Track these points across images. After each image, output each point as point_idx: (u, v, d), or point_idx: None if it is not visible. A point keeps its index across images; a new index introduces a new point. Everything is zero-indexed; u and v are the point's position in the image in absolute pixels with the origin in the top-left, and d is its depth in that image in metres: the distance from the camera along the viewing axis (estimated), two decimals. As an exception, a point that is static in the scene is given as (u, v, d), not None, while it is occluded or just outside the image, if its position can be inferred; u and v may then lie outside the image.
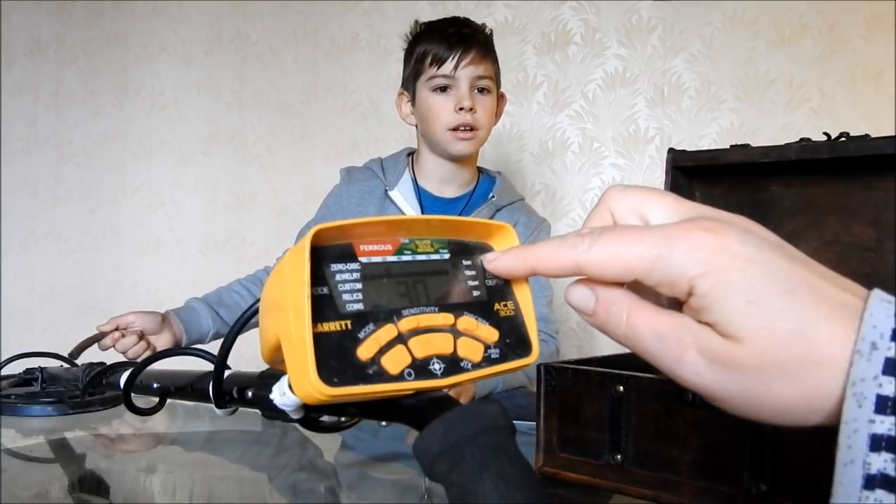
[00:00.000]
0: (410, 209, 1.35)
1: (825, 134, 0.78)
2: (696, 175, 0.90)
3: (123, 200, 2.19)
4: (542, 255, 0.35)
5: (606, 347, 1.82)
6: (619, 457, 0.65)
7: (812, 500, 0.55)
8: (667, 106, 1.83)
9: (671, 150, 0.90)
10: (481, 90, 1.32)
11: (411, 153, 1.43)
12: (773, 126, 1.76)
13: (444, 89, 1.31)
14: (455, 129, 1.30)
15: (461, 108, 1.29)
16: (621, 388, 0.65)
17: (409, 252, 0.39)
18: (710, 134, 1.80)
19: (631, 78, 1.86)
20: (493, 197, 1.38)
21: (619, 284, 0.33)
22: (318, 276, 0.36)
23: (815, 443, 0.55)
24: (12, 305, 2.22)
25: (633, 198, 0.34)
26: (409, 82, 1.36)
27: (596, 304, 0.33)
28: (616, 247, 0.31)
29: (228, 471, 0.79)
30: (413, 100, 1.36)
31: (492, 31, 1.39)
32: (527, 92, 1.92)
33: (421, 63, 1.32)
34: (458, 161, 1.35)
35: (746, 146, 0.84)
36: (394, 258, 0.38)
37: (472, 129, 1.30)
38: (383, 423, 0.82)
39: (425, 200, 1.37)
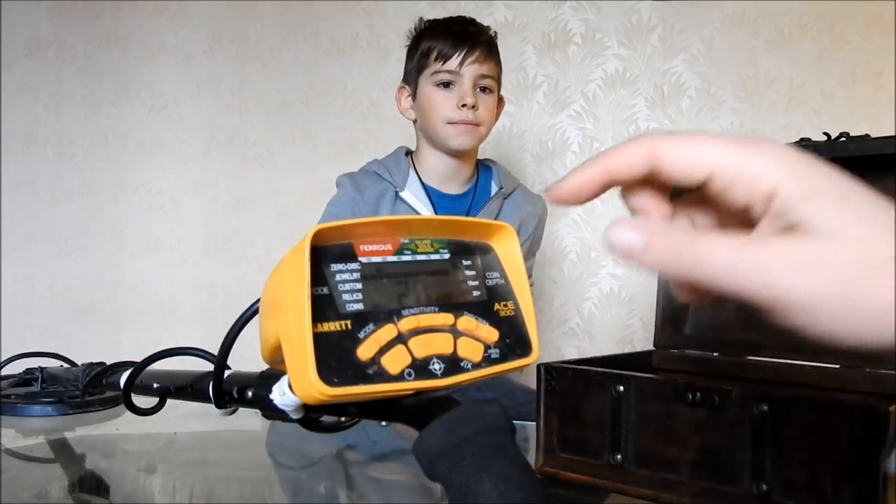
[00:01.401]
0: (423, 208, 1.34)
1: (825, 134, 0.78)
2: (696, 175, 0.90)
3: (123, 200, 2.19)
4: (613, 152, 0.32)
5: (606, 347, 1.82)
6: (619, 457, 0.65)
7: (812, 500, 0.55)
8: (667, 106, 1.83)
9: (671, 150, 0.89)
10: (484, 89, 1.33)
11: (408, 153, 1.43)
12: (773, 126, 1.76)
13: (447, 85, 1.31)
14: (456, 122, 1.30)
15: (464, 105, 1.29)
16: (621, 388, 0.65)
17: (409, 252, 0.39)
18: (710, 134, 1.80)
19: (631, 78, 1.86)
20: (501, 188, 1.39)
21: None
22: (318, 276, 0.36)
23: (815, 443, 0.55)
24: (12, 305, 2.22)
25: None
26: (412, 76, 1.37)
27: (649, 238, 0.31)
28: (697, 139, 0.30)
29: (228, 471, 0.79)
30: (414, 94, 1.36)
31: (496, 33, 1.40)
32: (527, 92, 1.92)
33: (426, 58, 1.32)
34: (459, 156, 1.35)
35: (746, 146, 0.84)
36: (394, 258, 0.38)
37: (474, 125, 1.31)
38: (383, 423, 0.82)
39: (434, 198, 1.37)
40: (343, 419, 0.51)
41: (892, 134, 0.73)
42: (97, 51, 2.21)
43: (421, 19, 1.41)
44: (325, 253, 0.37)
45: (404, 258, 0.39)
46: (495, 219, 1.38)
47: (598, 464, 0.66)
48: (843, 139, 0.77)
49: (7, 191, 2.24)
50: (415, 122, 1.40)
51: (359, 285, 0.37)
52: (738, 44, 1.80)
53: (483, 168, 1.44)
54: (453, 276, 0.40)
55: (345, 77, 2.06)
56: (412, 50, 1.38)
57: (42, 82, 2.23)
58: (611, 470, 0.65)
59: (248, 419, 0.91)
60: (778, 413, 0.57)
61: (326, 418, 0.48)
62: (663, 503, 0.62)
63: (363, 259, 0.38)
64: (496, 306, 0.41)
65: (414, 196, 1.35)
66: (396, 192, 1.35)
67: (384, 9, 2.04)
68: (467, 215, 1.36)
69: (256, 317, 0.42)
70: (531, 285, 1.45)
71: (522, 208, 1.40)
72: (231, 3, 2.13)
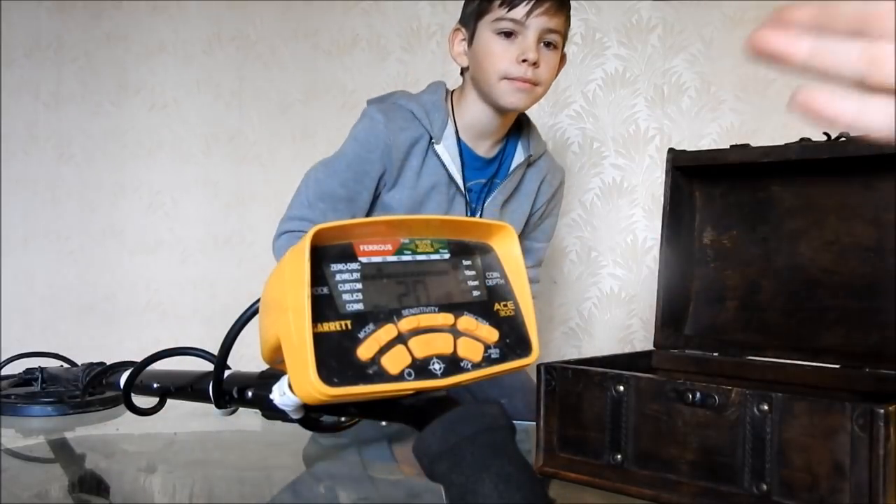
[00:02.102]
0: (454, 167, 1.24)
1: (825, 134, 0.78)
2: (696, 175, 0.90)
3: (123, 200, 2.19)
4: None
5: (606, 347, 1.82)
6: (619, 457, 0.65)
7: (812, 500, 0.55)
8: (667, 106, 1.83)
9: (671, 150, 0.90)
10: (548, 44, 1.20)
11: (447, 94, 1.29)
12: (773, 126, 1.76)
13: (509, 34, 1.18)
14: (513, 79, 1.18)
15: (524, 60, 1.17)
16: (621, 388, 0.65)
17: (409, 252, 0.39)
18: (710, 134, 1.80)
19: (631, 78, 1.86)
20: (529, 156, 1.30)
21: None
22: (318, 276, 0.36)
23: (815, 443, 0.55)
24: (12, 305, 2.22)
25: None
26: (470, 20, 1.23)
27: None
28: None
29: (228, 471, 0.79)
30: (470, 40, 1.23)
31: None
32: (527, 92, 1.92)
33: (490, 1, 1.19)
34: (506, 113, 1.25)
35: (746, 146, 0.84)
36: (394, 258, 0.39)
37: (532, 84, 1.19)
38: (383, 423, 0.82)
39: (466, 157, 1.26)
40: (343, 419, 0.51)
41: (892, 134, 0.73)
42: (97, 51, 2.21)
43: None
44: (325, 253, 0.37)
45: (404, 258, 0.39)
46: (518, 185, 1.32)
47: (598, 464, 0.66)
48: (843, 139, 0.77)
49: (7, 191, 2.24)
50: (466, 68, 1.27)
51: (359, 285, 0.37)
52: (738, 44, 1.79)
53: (514, 127, 1.31)
54: (453, 276, 0.40)
55: (345, 77, 2.06)
56: None
57: (42, 82, 2.23)
58: (611, 470, 0.65)
59: (248, 419, 0.91)
60: (778, 413, 0.57)
61: (326, 418, 0.48)
62: (663, 503, 0.62)
63: (363, 259, 0.38)
64: (496, 306, 0.41)
65: (447, 152, 1.24)
66: (431, 142, 1.23)
67: (384, 9, 2.04)
68: (490, 182, 1.28)
69: (256, 317, 0.42)
70: (535, 283, 1.44)
71: (544, 173, 1.32)
72: (231, 3, 2.13)
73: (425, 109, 1.24)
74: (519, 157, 1.30)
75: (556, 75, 1.26)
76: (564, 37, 1.24)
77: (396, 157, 1.21)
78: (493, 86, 1.20)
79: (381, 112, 1.23)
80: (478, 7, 1.21)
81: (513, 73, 1.17)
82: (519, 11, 1.17)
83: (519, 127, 1.31)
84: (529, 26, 1.17)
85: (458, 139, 1.25)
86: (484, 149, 1.28)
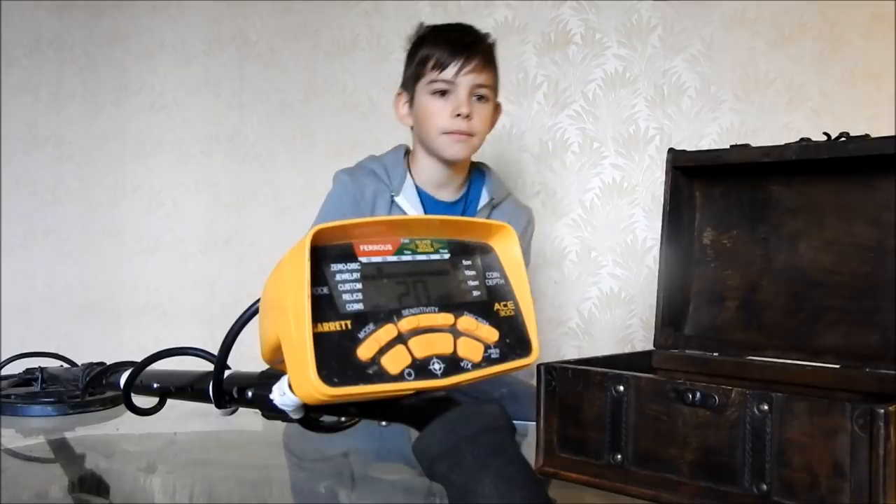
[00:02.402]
0: (415, 214, 1.36)
1: (825, 134, 0.78)
2: (696, 175, 0.90)
3: (123, 200, 2.19)
4: None
5: (606, 347, 1.82)
6: (619, 457, 0.65)
7: (812, 500, 0.55)
8: (667, 106, 1.83)
9: (671, 150, 0.90)
10: (480, 98, 1.34)
11: (407, 152, 1.44)
12: (773, 126, 1.76)
13: (443, 94, 1.32)
14: (450, 133, 1.32)
15: (458, 115, 1.30)
16: (621, 388, 0.65)
17: (410, 252, 0.39)
18: (710, 134, 1.80)
19: (631, 78, 1.86)
20: (492, 198, 1.41)
21: None
22: (318, 276, 0.36)
23: (815, 443, 0.55)
24: (12, 305, 2.22)
25: None
26: (409, 84, 1.38)
27: None
28: None
29: (228, 471, 0.79)
30: (411, 101, 1.38)
31: (495, 41, 1.40)
32: (527, 92, 1.92)
33: (423, 66, 1.33)
34: (453, 164, 1.37)
35: (746, 146, 0.84)
36: (394, 258, 0.38)
37: (468, 135, 1.32)
38: (383, 423, 0.82)
39: (428, 205, 1.39)
40: (343, 419, 0.51)
41: (892, 134, 0.73)
42: (97, 51, 2.21)
43: (421, 24, 1.42)
44: (325, 253, 0.37)
45: (404, 258, 0.39)
46: None
47: (598, 464, 0.66)
48: (843, 139, 0.77)
49: (7, 191, 2.24)
50: (412, 127, 1.41)
51: (359, 285, 0.37)
52: (738, 44, 1.79)
53: (476, 173, 1.45)
54: (453, 276, 0.40)
55: (345, 77, 2.06)
56: (410, 57, 1.39)
57: (42, 82, 2.23)
58: (611, 470, 0.65)
59: (248, 419, 0.90)
60: (778, 413, 0.57)
61: (326, 418, 0.48)
62: (663, 503, 0.62)
63: (363, 259, 0.38)
64: (496, 306, 0.41)
65: (408, 202, 1.37)
66: (392, 196, 1.37)
67: (384, 9, 2.04)
68: None
69: (256, 317, 0.42)
70: None
71: (509, 216, 1.41)
72: (231, 3, 2.13)
73: (385, 168, 1.39)
74: (483, 199, 1.42)
75: (493, 124, 1.41)
76: (495, 89, 1.38)
77: (365, 208, 1.35)
78: (434, 140, 1.34)
79: (347, 174, 1.40)
80: (414, 72, 1.36)
81: (449, 128, 1.31)
82: (449, 72, 1.31)
83: (482, 173, 1.45)
84: (460, 84, 1.31)
85: (418, 189, 1.39)
86: (446, 194, 1.41)
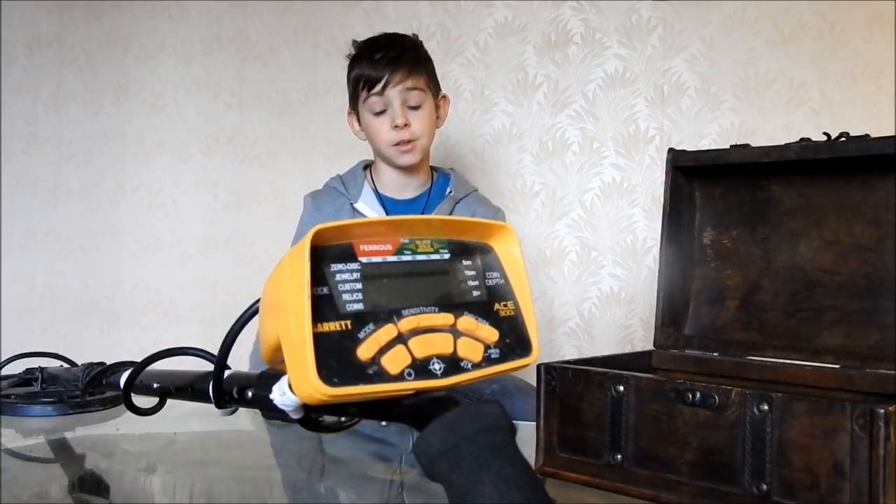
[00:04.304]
0: (376, 215, 1.44)
1: (825, 134, 0.78)
2: (696, 175, 0.90)
3: (123, 200, 2.19)
4: None
5: (606, 347, 1.82)
6: (619, 457, 0.65)
7: (812, 500, 0.55)
8: (667, 106, 1.83)
9: (671, 150, 0.90)
10: (414, 106, 1.40)
11: (367, 165, 1.53)
12: (773, 126, 1.76)
13: (380, 112, 1.40)
14: (396, 144, 1.39)
15: (396, 126, 1.38)
16: (621, 388, 0.65)
17: (410, 252, 0.39)
18: (710, 134, 1.80)
19: (631, 78, 1.86)
20: (450, 192, 1.47)
21: None
22: (318, 276, 0.36)
23: (815, 443, 0.55)
24: (12, 305, 2.22)
25: None
26: (353, 103, 1.46)
27: None
28: None
29: (228, 471, 0.79)
30: (359, 119, 1.46)
31: (421, 42, 1.47)
32: (527, 92, 1.92)
33: (357, 87, 1.41)
34: (409, 169, 1.45)
35: (746, 146, 0.84)
36: (394, 258, 0.38)
37: (411, 142, 1.39)
38: (383, 423, 0.82)
39: (388, 204, 1.47)
40: (343, 419, 0.51)
41: (892, 134, 0.73)
42: (97, 51, 2.21)
43: (354, 42, 1.48)
44: (325, 253, 0.37)
45: (404, 258, 0.39)
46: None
47: (598, 464, 0.66)
48: (843, 139, 0.77)
49: (7, 191, 2.24)
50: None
51: (359, 285, 0.37)
52: (738, 44, 1.79)
53: (442, 174, 1.52)
54: (453, 276, 0.40)
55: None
56: (348, 78, 1.46)
57: (42, 82, 2.23)
58: (611, 470, 0.65)
59: (248, 419, 0.91)
60: (778, 413, 0.57)
61: (326, 418, 0.48)
62: (663, 503, 0.62)
63: (363, 259, 0.38)
64: (496, 306, 0.41)
65: (368, 206, 1.45)
66: (352, 204, 1.45)
67: (384, 9, 2.04)
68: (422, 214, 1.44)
69: (256, 317, 0.42)
70: None
71: (473, 209, 1.47)
72: (231, 3, 2.13)
73: (344, 182, 1.50)
74: (448, 191, 1.48)
75: (442, 117, 1.49)
76: (430, 88, 1.44)
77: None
78: (385, 152, 1.42)
79: (311, 197, 1.51)
80: (352, 95, 1.45)
81: (394, 140, 1.39)
82: (378, 89, 1.38)
83: (447, 173, 1.52)
84: (391, 97, 1.38)
85: (377, 193, 1.47)
86: (408, 194, 1.49)
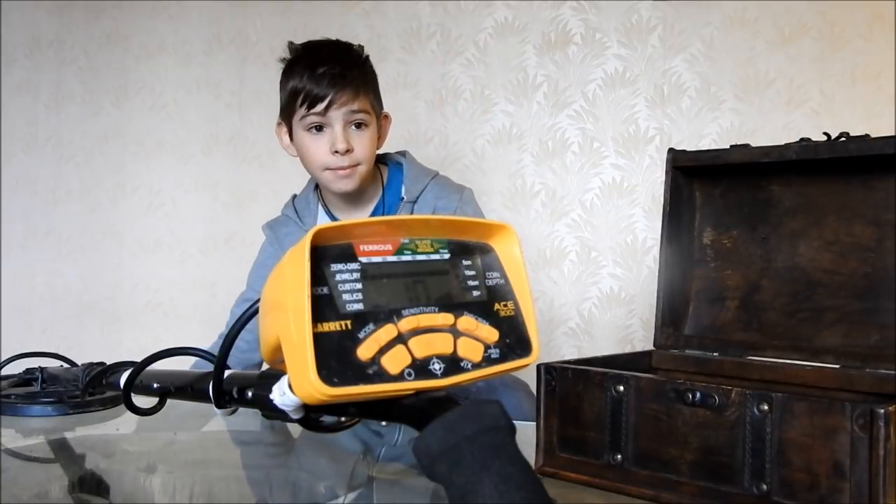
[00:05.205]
0: None
1: (825, 134, 0.78)
2: (696, 175, 0.90)
3: (123, 200, 2.19)
4: None
5: (606, 347, 1.82)
6: (619, 457, 0.65)
7: (812, 500, 0.55)
8: (667, 106, 1.83)
9: (671, 150, 0.90)
10: (358, 125, 1.26)
11: (318, 186, 1.39)
12: (773, 126, 1.76)
13: (318, 128, 1.25)
14: (333, 169, 1.25)
15: (336, 151, 1.23)
16: (621, 388, 0.65)
17: (409, 252, 0.39)
18: (710, 134, 1.80)
19: (631, 78, 1.86)
20: (402, 198, 1.33)
21: None
22: (318, 276, 0.36)
23: (815, 443, 0.55)
24: (12, 305, 2.22)
25: None
26: (285, 116, 1.31)
27: None
28: None
29: (228, 471, 0.79)
30: (290, 135, 1.31)
31: (367, 55, 1.32)
32: (527, 92, 1.92)
33: (293, 101, 1.25)
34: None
35: (746, 146, 0.84)
36: (394, 258, 0.39)
37: (351, 167, 1.25)
38: (383, 423, 0.82)
39: None
40: (343, 419, 0.51)
41: (892, 134, 0.73)
42: (97, 51, 2.21)
43: (290, 44, 1.33)
44: (325, 253, 0.37)
45: (404, 258, 0.39)
46: None
47: (598, 464, 0.66)
48: (843, 139, 0.77)
49: (7, 191, 2.24)
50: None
51: (359, 285, 0.37)
52: (738, 44, 1.79)
53: (393, 171, 1.37)
54: (453, 276, 0.40)
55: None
56: (282, 86, 1.30)
57: (42, 82, 2.23)
58: (611, 470, 0.65)
59: (248, 419, 0.91)
60: (778, 413, 0.57)
61: (326, 418, 0.48)
62: (663, 503, 0.62)
63: (363, 259, 0.38)
64: (496, 306, 0.41)
65: None
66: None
67: (384, 9, 2.04)
68: None
69: (256, 317, 0.42)
70: None
71: (433, 204, 1.32)
72: (231, 3, 2.13)
73: (297, 210, 1.37)
74: (400, 191, 1.34)
75: (383, 138, 1.33)
76: (374, 108, 1.28)
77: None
78: (319, 176, 1.28)
79: (269, 228, 1.40)
80: (286, 107, 1.28)
81: (331, 164, 1.24)
82: (320, 108, 1.22)
83: (399, 169, 1.37)
84: (334, 118, 1.23)
85: (330, 214, 1.35)
86: (360, 210, 1.34)
